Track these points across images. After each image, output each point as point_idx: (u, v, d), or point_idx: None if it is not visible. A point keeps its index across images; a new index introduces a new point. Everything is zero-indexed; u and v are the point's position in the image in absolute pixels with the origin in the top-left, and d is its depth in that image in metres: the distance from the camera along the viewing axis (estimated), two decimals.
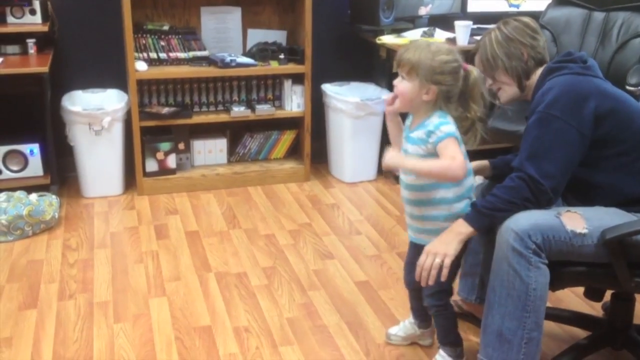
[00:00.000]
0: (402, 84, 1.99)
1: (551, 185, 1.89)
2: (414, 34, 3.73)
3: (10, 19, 3.40)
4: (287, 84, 3.79)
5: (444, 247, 1.95)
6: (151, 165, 3.66)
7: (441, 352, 2.20)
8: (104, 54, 3.73)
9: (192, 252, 3.04)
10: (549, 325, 2.39)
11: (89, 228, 3.26)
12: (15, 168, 3.44)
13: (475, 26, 3.67)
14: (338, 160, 3.88)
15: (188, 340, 2.40)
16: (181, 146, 3.75)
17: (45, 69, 3.25)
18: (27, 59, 3.41)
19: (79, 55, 3.71)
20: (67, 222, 3.30)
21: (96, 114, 3.45)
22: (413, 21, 3.89)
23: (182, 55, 3.67)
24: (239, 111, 3.73)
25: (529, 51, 2.07)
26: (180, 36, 3.69)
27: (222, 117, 3.74)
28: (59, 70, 3.59)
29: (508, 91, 2.13)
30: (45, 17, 3.45)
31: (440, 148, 1.94)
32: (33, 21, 3.41)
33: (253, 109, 3.75)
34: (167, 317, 2.53)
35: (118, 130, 3.55)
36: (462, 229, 1.96)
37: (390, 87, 3.76)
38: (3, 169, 3.42)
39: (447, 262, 1.94)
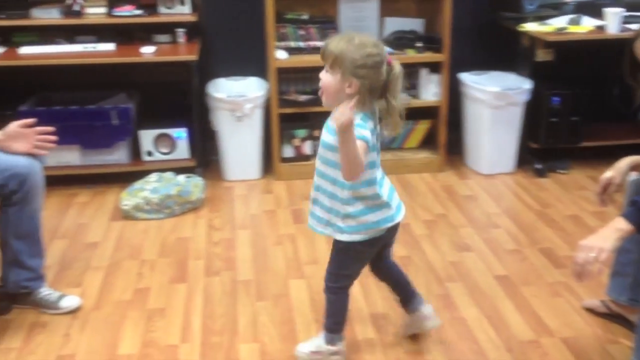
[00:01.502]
0: (325, 77, 1.95)
1: None
2: (559, 22, 3.59)
3: (161, 9, 3.59)
4: (424, 72, 3.76)
5: (600, 241, 1.86)
6: (288, 151, 3.76)
7: (320, 337, 2.23)
8: (246, 43, 3.87)
9: (327, 238, 3.07)
10: None
11: (230, 209, 3.40)
12: (164, 150, 3.65)
13: (627, 14, 3.47)
14: (475, 151, 3.81)
15: None
16: (317, 133, 3.81)
17: (194, 57, 3.41)
18: (176, 48, 3.60)
19: (223, 44, 3.86)
20: (211, 203, 3.46)
21: (238, 100, 3.59)
22: (558, 8, 3.73)
23: (319, 44, 3.72)
24: None
25: None
26: (318, 25, 3.75)
27: None
28: (204, 59, 3.75)
29: None
30: (194, 8, 3.62)
31: None
32: (182, 11, 3.59)
33: None
34: (306, 299, 2.60)
35: (258, 117, 3.67)
36: (621, 226, 1.86)
37: (533, 76, 3.67)
38: (154, 151, 3.64)
39: (603, 257, 1.85)
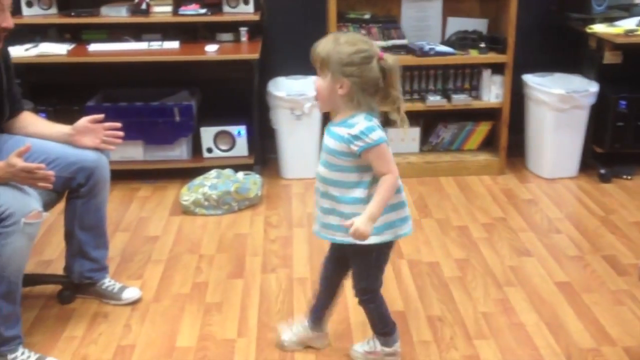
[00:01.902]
0: (317, 81, 1.92)
1: None
2: (628, 23, 3.47)
3: (225, 9, 3.64)
4: (486, 73, 3.70)
5: None
6: None
7: (374, 339, 2.20)
8: (307, 42, 3.83)
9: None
10: None
11: (287, 207, 3.42)
12: (224, 147, 3.70)
13: None
14: (537, 154, 3.73)
15: None
16: None
17: (256, 55, 3.45)
18: (239, 46, 3.64)
19: (284, 43, 3.89)
20: (268, 201, 3.49)
21: (298, 99, 3.60)
22: (628, 9, 3.62)
23: (380, 43, 3.70)
24: (434, 100, 3.71)
25: None
26: (380, 25, 3.74)
27: (417, 106, 3.73)
28: (265, 57, 3.79)
29: None
30: (257, 7, 3.65)
31: (371, 157, 1.89)
32: (246, 10, 3.63)
33: (449, 99, 3.71)
34: None
35: (317, 116, 3.68)
36: None
37: (599, 79, 3.57)
38: (214, 148, 3.69)
39: None
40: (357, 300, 2.14)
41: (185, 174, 3.57)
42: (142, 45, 3.57)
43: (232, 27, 3.69)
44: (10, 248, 2.06)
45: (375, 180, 1.94)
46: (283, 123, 3.68)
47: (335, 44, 1.86)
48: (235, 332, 2.39)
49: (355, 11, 3.78)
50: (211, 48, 3.52)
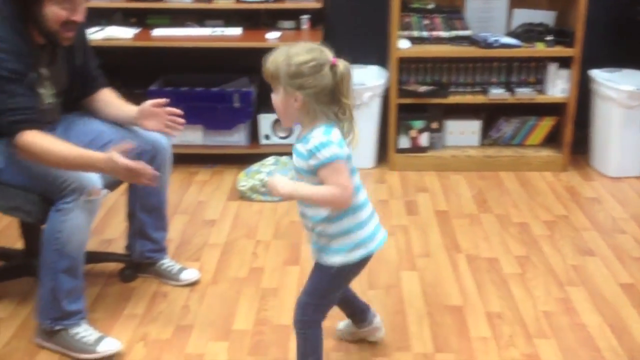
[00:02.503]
0: (273, 97, 1.82)
1: None
2: None
3: None
4: (552, 67, 3.60)
5: None
6: (403, 142, 3.72)
7: None
8: (368, 31, 3.85)
9: (441, 231, 3.04)
10: None
11: None
12: (282, 135, 3.70)
13: None
14: (602, 152, 3.62)
15: (438, 317, 2.41)
16: (434, 125, 3.75)
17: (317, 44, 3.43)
18: (300, 34, 3.64)
19: (345, 32, 3.86)
20: None
21: (358, 89, 3.58)
22: None
23: (443, 34, 3.66)
24: (497, 93, 3.63)
25: None
26: (444, 15, 3.68)
27: (479, 99, 3.67)
28: (325, 46, 3.77)
29: None
30: None
31: (323, 175, 1.77)
32: None
33: (512, 92, 3.63)
34: (418, 291, 2.57)
35: (376, 106, 3.65)
36: None
37: None
38: (272, 135, 3.70)
39: None
40: (293, 322, 1.99)
41: (242, 160, 3.60)
42: (204, 31, 3.60)
43: (294, 14, 3.69)
44: (71, 224, 2.10)
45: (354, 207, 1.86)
46: None
47: (283, 56, 1.76)
48: (291, 319, 2.39)
49: (419, 1, 3.73)
50: (272, 35, 3.52)
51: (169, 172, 2.54)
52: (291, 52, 1.77)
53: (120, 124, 2.43)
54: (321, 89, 1.76)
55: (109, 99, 2.48)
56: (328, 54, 1.79)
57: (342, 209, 1.84)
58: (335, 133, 1.80)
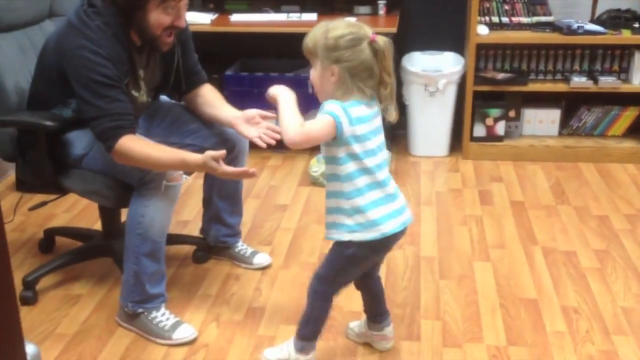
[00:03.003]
0: (311, 73, 1.84)
1: None
2: None
3: None
4: (638, 55, 3.44)
5: None
6: (479, 130, 3.65)
7: (289, 344, 2.04)
8: (445, 17, 3.78)
9: (516, 222, 2.96)
10: None
11: (415, 184, 3.37)
12: None
13: None
14: None
15: (513, 309, 2.36)
16: (512, 114, 3.66)
17: (393, 29, 3.40)
18: (376, 19, 3.60)
19: (421, 17, 3.80)
20: (396, 176, 3.40)
21: (433, 75, 3.53)
22: None
23: (524, 20, 3.56)
24: (578, 82, 3.51)
25: None
26: (526, 0, 3.57)
27: (559, 87, 3.55)
28: (401, 31, 3.72)
29: None
30: None
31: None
32: None
33: (595, 81, 3.50)
34: (492, 283, 2.52)
35: (451, 93, 3.59)
36: None
37: None
38: None
39: None
40: (308, 286, 2.01)
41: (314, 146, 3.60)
42: (281, 17, 3.62)
43: (370, 0, 3.66)
44: (153, 209, 2.15)
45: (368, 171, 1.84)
46: (416, 99, 3.62)
47: (321, 31, 1.79)
48: (361, 305, 2.39)
49: None
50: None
51: (246, 161, 2.54)
52: (330, 26, 1.79)
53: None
54: (358, 63, 1.76)
55: (208, 98, 2.44)
56: (367, 30, 1.79)
57: (333, 173, 1.85)
58: (356, 109, 1.79)
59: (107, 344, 2.21)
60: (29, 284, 2.40)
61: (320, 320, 2.01)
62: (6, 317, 1.00)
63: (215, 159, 2.02)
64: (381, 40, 1.77)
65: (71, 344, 2.22)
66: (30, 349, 1.05)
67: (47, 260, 2.56)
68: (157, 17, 2.10)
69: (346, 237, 1.87)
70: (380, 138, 1.88)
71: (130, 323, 2.26)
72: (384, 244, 1.93)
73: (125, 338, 2.23)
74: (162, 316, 2.24)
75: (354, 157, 1.82)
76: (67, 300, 2.44)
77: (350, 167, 1.83)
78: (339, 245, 1.91)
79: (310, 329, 2.02)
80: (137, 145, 2.09)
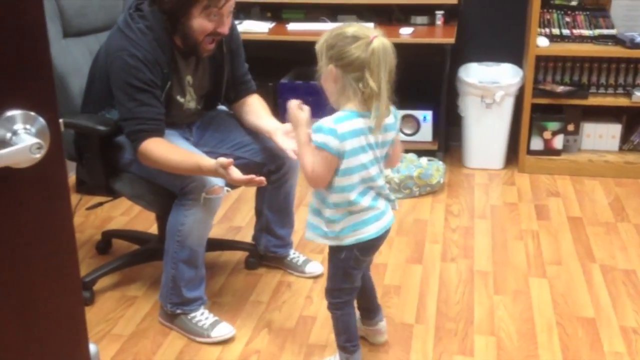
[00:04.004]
0: (321, 77, 1.82)
1: None
2: None
3: None
4: None
5: None
6: (536, 144, 3.58)
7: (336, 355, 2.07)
8: (503, 28, 3.73)
9: (574, 239, 2.90)
10: None
11: (469, 197, 3.33)
12: (408, 132, 3.67)
13: None
14: None
15: (570, 328, 2.30)
16: (570, 127, 3.58)
17: (451, 40, 3.37)
18: (433, 30, 3.58)
19: (479, 28, 3.76)
20: (450, 189, 3.42)
21: (490, 87, 3.48)
22: None
23: (586, 32, 3.48)
24: None
25: None
26: (587, 12, 3.50)
27: (621, 101, 3.46)
28: (459, 42, 3.69)
29: None
30: None
31: None
32: None
33: None
34: (548, 300, 2.46)
35: (509, 105, 3.53)
36: None
37: None
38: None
39: None
40: (326, 303, 2.05)
41: None
42: (337, 26, 3.62)
43: (428, 10, 3.63)
44: (192, 219, 2.17)
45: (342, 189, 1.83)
46: (472, 111, 3.58)
47: (328, 34, 1.80)
48: (414, 318, 2.37)
49: None
50: (406, 31, 3.49)
51: (298, 175, 2.50)
52: (338, 30, 1.80)
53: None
54: (352, 60, 1.74)
55: (253, 107, 2.46)
56: (371, 31, 1.77)
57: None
58: (348, 124, 1.78)
59: (161, 345, 2.25)
60: (86, 285, 2.46)
61: (349, 328, 2.04)
62: (73, 316, 1.03)
63: (224, 167, 2.02)
64: (377, 41, 1.74)
65: (127, 344, 2.26)
66: (91, 348, 1.07)
67: (105, 262, 2.62)
68: (200, 23, 2.13)
69: (320, 241, 1.93)
70: (381, 152, 1.87)
71: (170, 322, 2.31)
72: (369, 246, 1.95)
73: (179, 340, 2.27)
74: (201, 315, 2.27)
75: (341, 172, 1.82)
76: (123, 302, 2.48)
77: (339, 180, 1.83)
78: (332, 254, 1.96)
79: (344, 338, 2.04)
80: (158, 148, 2.12)
